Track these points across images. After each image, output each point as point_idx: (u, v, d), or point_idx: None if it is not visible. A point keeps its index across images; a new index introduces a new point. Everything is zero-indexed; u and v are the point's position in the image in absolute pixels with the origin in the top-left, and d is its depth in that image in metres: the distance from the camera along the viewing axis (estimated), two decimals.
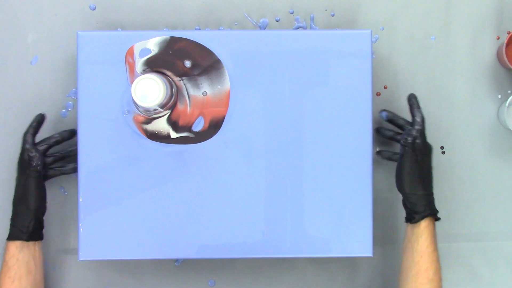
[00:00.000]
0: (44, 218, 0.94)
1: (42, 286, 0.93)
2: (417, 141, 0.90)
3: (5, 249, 0.90)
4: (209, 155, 0.94)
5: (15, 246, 0.89)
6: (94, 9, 1.03)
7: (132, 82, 0.89)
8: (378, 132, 0.99)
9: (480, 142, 1.04)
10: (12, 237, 0.90)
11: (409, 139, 0.90)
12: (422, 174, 0.89)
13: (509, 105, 1.00)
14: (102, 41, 0.93)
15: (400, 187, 0.91)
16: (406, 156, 0.90)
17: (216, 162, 0.94)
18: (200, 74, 0.94)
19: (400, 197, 0.93)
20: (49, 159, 0.95)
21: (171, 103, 0.91)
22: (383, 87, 1.04)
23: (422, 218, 0.88)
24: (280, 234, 0.93)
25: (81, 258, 0.94)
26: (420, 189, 0.89)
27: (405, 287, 0.87)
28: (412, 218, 0.89)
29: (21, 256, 0.89)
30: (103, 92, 0.93)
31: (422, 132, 0.91)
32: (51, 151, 0.96)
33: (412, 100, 0.94)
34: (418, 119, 0.91)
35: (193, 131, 0.94)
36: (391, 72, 1.04)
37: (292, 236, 0.94)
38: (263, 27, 1.04)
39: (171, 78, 0.93)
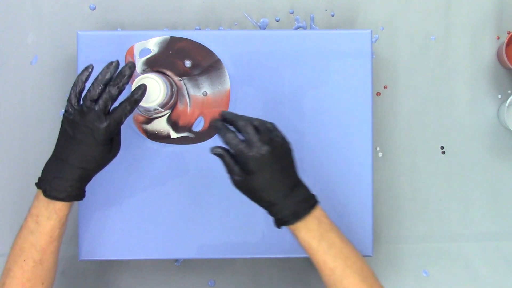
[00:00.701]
0: None
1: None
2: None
3: (59, 209, 0.80)
4: (209, 155, 0.93)
5: (68, 207, 0.82)
6: (94, 9, 1.03)
7: (132, 82, 0.89)
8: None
9: (480, 142, 1.04)
10: (74, 197, 0.81)
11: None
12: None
13: (509, 105, 1.00)
14: (102, 41, 0.93)
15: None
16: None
17: (216, 162, 0.93)
18: (200, 74, 0.94)
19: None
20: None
21: (171, 103, 0.91)
22: (383, 87, 1.04)
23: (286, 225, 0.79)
24: (280, 234, 0.93)
25: (81, 258, 0.94)
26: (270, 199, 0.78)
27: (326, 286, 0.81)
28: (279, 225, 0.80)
29: (68, 217, 0.83)
30: None
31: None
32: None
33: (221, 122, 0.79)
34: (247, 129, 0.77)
35: (193, 131, 0.94)
36: (391, 72, 1.04)
37: (292, 236, 0.93)
38: (263, 27, 1.04)
39: (171, 78, 0.93)
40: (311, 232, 0.77)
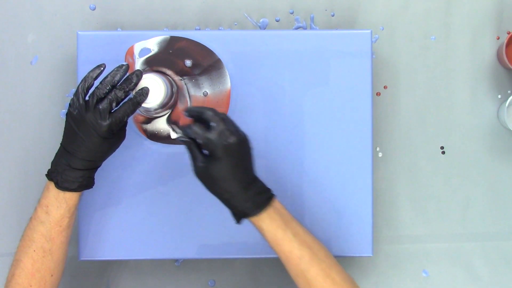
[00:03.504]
0: None
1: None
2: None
3: (69, 199, 0.82)
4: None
5: (78, 196, 0.84)
6: (94, 9, 1.03)
7: None
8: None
9: (480, 142, 1.04)
10: (85, 186, 0.83)
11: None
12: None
13: (509, 105, 1.00)
14: (102, 41, 0.93)
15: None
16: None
17: None
18: (200, 74, 0.94)
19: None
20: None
21: (171, 102, 0.91)
22: (383, 87, 1.04)
23: (247, 217, 0.79)
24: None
25: (81, 258, 0.94)
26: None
27: (292, 278, 0.80)
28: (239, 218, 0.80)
29: (77, 206, 0.85)
30: None
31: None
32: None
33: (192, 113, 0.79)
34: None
35: None
36: (391, 72, 1.04)
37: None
38: (263, 27, 1.04)
39: (172, 78, 0.93)
40: (275, 222, 0.78)
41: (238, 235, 0.94)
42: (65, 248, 0.85)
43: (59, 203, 0.82)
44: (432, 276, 1.03)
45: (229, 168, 0.77)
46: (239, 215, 0.79)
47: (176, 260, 1.02)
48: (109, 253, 0.94)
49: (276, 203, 0.80)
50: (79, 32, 0.94)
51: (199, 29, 1.03)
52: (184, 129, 0.78)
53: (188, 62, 0.94)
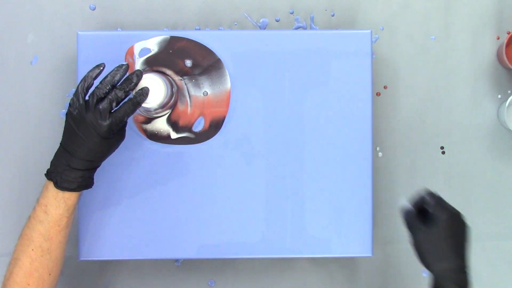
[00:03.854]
0: None
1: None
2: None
3: (68, 198, 0.82)
4: (209, 156, 0.94)
5: (77, 196, 0.84)
6: (94, 9, 1.03)
7: None
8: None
9: (480, 142, 1.04)
10: (84, 186, 0.83)
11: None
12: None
13: (509, 105, 1.00)
14: (102, 41, 0.93)
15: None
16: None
17: (216, 162, 0.94)
18: (200, 74, 0.94)
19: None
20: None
21: (171, 102, 0.91)
22: (383, 87, 1.04)
23: None
24: (280, 234, 0.93)
25: (81, 258, 0.94)
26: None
27: None
28: None
29: (76, 205, 0.85)
30: None
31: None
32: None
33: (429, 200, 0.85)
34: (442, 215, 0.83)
35: (194, 132, 0.94)
36: (391, 72, 1.04)
37: (292, 236, 0.94)
38: (263, 27, 1.04)
39: (172, 78, 0.93)
40: None
41: (238, 235, 0.94)
42: (64, 247, 0.85)
43: (58, 202, 0.82)
44: None
45: (451, 242, 0.81)
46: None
47: (176, 260, 1.02)
48: (108, 253, 0.94)
49: None
50: (79, 32, 0.94)
51: (199, 29, 1.03)
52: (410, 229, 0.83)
53: (188, 62, 0.94)
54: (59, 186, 0.81)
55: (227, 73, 0.94)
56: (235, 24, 1.04)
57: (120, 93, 0.81)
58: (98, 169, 0.85)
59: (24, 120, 1.01)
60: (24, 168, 1.01)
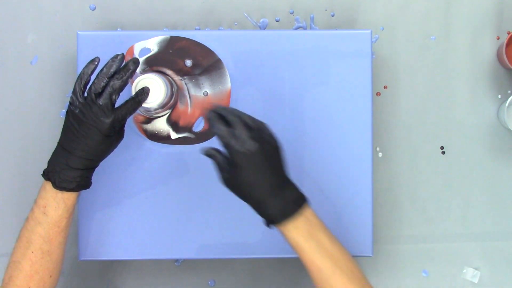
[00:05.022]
0: None
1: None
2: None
3: (67, 199, 0.82)
4: None
5: (76, 196, 0.83)
6: (94, 9, 1.03)
7: (132, 82, 0.89)
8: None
9: (480, 142, 1.04)
10: (83, 186, 0.83)
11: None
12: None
13: (509, 105, 1.00)
14: (102, 41, 0.93)
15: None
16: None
17: None
18: (201, 74, 0.94)
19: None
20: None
21: (171, 102, 0.91)
22: (383, 87, 1.04)
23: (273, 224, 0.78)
24: (280, 234, 0.93)
25: (81, 258, 0.94)
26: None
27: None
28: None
29: (75, 206, 0.84)
30: None
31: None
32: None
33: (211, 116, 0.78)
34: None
35: (194, 132, 0.94)
36: (391, 72, 1.04)
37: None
38: (263, 27, 1.04)
39: (172, 78, 0.93)
40: (299, 231, 0.77)
41: (238, 235, 0.94)
42: (63, 248, 0.84)
43: (57, 203, 0.81)
44: (432, 276, 1.03)
45: (253, 176, 0.75)
46: (267, 221, 0.78)
47: (176, 260, 1.02)
48: (109, 253, 0.94)
49: (306, 211, 0.77)
50: (79, 32, 0.94)
51: (199, 29, 1.03)
52: (210, 123, 0.77)
53: (188, 62, 0.94)
54: (58, 186, 0.80)
55: (227, 73, 0.94)
56: (235, 24, 1.04)
57: (118, 83, 0.79)
58: (98, 169, 0.84)
59: (24, 120, 1.01)
60: (24, 168, 1.01)
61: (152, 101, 0.85)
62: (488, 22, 1.04)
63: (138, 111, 0.93)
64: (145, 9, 1.03)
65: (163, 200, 0.93)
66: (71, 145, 0.80)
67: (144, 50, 0.93)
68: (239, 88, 0.94)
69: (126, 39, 0.93)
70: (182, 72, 0.93)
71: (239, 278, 1.03)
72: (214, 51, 0.93)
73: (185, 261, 1.02)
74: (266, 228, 0.95)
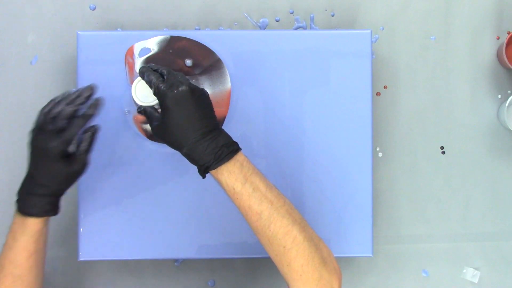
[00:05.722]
0: None
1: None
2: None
3: (32, 224, 0.81)
4: None
5: (42, 221, 0.82)
6: (94, 9, 1.03)
7: (132, 82, 0.89)
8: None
9: (480, 142, 1.04)
10: (46, 212, 0.82)
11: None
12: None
13: (509, 105, 1.00)
14: (102, 41, 0.93)
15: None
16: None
17: None
18: (201, 74, 0.94)
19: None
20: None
21: None
22: (383, 87, 1.04)
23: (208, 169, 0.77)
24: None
25: (81, 258, 0.94)
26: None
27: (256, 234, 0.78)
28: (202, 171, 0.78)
29: (45, 230, 0.83)
30: (103, 92, 0.92)
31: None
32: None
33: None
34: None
35: None
36: (391, 72, 1.04)
37: None
38: (263, 27, 1.04)
39: None
40: (234, 175, 0.75)
41: (238, 235, 0.94)
42: (36, 272, 0.82)
43: (23, 229, 0.80)
44: (432, 276, 1.03)
45: (182, 117, 0.75)
46: (201, 169, 0.77)
47: (176, 260, 1.02)
48: (109, 253, 0.94)
49: (239, 156, 0.76)
50: (79, 32, 0.94)
51: (199, 29, 1.03)
52: (142, 75, 0.79)
53: (189, 62, 0.94)
54: (21, 211, 0.80)
55: (227, 73, 0.94)
56: (235, 24, 1.04)
57: (69, 109, 0.79)
58: (98, 169, 0.84)
59: (24, 120, 1.01)
60: (24, 168, 1.01)
61: (152, 101, 0.85)
62: (488, 22, 1.04)
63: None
64: (145, 9, 1.03)
65: (163, 200, 0.93)
66: (32, 170, 0.80)
67: (144, 50, 0.93)
68: (239, 88, 0.94)
69: (126, 39, 0.93)
70: (182, 72, 0.93)
71: (239, 278, 1.03)
72: (214, 51, 0.93)
73: (185, 261, 1.02)
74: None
